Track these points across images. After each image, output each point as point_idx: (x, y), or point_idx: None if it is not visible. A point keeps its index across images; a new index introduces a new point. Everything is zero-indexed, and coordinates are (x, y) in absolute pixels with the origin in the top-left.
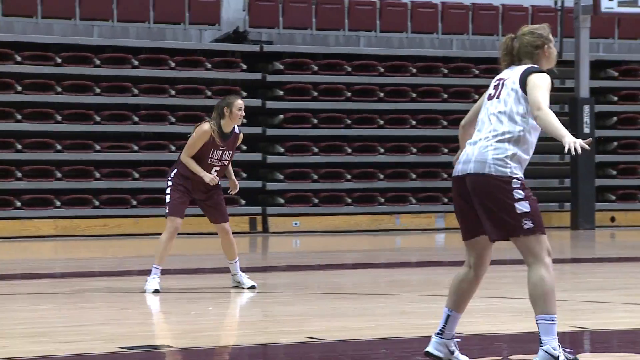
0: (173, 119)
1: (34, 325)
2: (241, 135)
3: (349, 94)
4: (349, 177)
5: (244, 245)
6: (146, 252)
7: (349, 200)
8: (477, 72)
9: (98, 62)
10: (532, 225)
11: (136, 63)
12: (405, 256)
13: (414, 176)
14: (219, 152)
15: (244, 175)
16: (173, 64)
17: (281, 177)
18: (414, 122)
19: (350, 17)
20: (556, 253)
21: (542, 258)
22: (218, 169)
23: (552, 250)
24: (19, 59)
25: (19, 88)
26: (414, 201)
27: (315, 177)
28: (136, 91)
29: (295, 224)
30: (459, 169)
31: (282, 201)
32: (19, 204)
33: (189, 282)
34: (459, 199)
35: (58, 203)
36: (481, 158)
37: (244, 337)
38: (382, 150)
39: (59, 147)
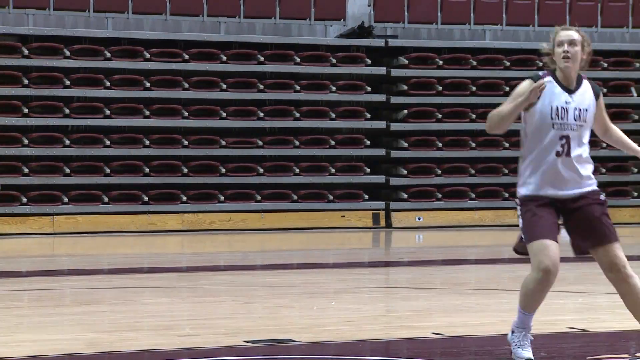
0: (298, 114)
1: (159, 318)
2: None
3: (473, 88)
4: (472, 171)
5: (367, 240)
6: (270, 246)
7: (473, 195)
8: (605, 65)
9: (224, 57)
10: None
11: (261, 59)
12: None
13: None
14: None
15: (368, 170)
16: (298, 60)
17: (405, 172)
18: None
19: (476, 10)
20: None
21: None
22: None
23: None
24: (148, 55)
25: (148, 84)
26: None
27: (439, 172)
28: (261, 87)
29: (419, 218)
30: None
31: (406, 196)
32: (146, 198)
33: (312, 277)
34: None
35: (184, 198)
36: None
37: (366, 332)
38: (506, 144)
39: (186, 143)
